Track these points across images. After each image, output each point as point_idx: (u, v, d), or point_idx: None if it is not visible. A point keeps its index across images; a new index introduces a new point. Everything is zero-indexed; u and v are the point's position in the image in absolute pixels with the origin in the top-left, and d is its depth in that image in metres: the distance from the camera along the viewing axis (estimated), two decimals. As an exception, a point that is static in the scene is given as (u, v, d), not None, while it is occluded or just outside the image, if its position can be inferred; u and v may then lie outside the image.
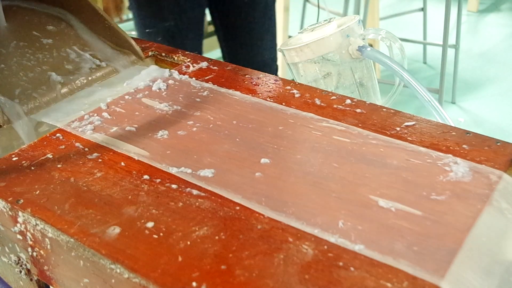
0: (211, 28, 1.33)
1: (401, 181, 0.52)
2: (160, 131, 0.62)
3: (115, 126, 0.64)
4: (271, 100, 0.67)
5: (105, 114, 0.66)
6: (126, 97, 0.70)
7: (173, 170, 0.55)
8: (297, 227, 0.47)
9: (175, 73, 0.75)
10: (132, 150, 0.59)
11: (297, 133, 0.60)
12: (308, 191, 0.52)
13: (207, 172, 0.54)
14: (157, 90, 0.71)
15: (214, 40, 1.37)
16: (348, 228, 0.47)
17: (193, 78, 0.74)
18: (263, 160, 0.56)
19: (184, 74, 0.75)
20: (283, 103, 0.67)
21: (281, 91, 0.70)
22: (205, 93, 0.70)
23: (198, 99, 0.68)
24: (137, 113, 0.66)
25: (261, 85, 0.72)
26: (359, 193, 0.51)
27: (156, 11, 1.11)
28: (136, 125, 0.63)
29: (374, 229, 0.47)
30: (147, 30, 1.19)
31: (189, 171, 0.55)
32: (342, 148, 0.57)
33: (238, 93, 0.69)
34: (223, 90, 0.70)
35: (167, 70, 0.76)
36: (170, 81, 0.73)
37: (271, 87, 0.71)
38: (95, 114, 0.66)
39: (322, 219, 0.48)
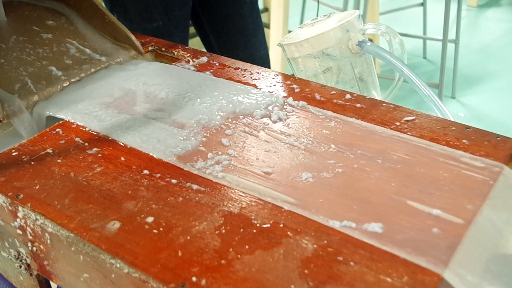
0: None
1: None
2: (303, 174, 0.54)
3: (247, 166, 0.56)
4: (402, 130, 0.61)
5: (231, 152, 0.58)
6: (246, 129, 0.63)
7: (336, 225, 0.47)
8: None
9: (290, 99, 0.67)
10: (278, 197, 0.51)
11: (454, 177, 0.52)
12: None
13: (375, 227, 0.47)
14: (277, 121, 0.64)
15: (198, 40, 1.35)
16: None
17: (310, 105, 0.66)
18: (435, 212, 0.48)
19: (299, 100, 0.67)
20: (400, 131, 0.60)
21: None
22: (331, 124, 0.62)
23: (326, 131, 0.61)
24: (266, 150, 0.59)
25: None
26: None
27: (143, 12, 1.10)
28: (272, 166, 0.56)
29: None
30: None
31: (353, 225, 0.47)
32: None
33: (364, 123, 0.62)
34: (349, 119, 0.63)
35: (280, 96, 0.69)
36: (288, 108, 0.66)
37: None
38: (220, 152, 0.58)
39: None
